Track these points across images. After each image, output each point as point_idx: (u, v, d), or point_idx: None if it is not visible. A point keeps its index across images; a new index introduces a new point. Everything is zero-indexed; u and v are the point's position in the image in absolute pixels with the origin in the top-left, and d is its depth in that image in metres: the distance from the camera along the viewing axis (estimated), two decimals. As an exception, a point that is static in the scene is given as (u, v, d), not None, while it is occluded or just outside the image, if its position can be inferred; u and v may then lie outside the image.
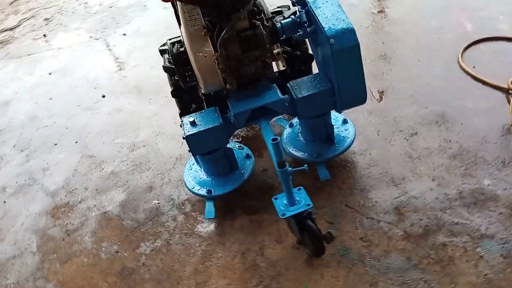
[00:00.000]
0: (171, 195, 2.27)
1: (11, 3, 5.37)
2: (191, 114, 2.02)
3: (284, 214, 1.72)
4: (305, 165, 1.69)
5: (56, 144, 2.84)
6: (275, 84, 2.02)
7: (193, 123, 1.95)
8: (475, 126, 2.19)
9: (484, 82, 2.42)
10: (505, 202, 1.84)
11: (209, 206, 2.06)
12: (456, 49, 2.68)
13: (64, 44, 4.05)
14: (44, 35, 4.32)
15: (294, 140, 2.22)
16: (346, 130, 2.20)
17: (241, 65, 1.89)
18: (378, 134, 2.29)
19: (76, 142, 2.81)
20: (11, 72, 3.83)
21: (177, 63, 1.95)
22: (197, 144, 1.97)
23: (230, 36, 1.79)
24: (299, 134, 2.23)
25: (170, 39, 2.00)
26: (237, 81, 1.93)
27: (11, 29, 4.66)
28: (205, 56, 1.83)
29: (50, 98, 3.31)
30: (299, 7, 2.00)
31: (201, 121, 1.97)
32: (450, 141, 2.15)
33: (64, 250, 2.15)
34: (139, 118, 2.85)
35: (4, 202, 2.50)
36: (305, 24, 1.92)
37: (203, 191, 2.09)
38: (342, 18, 1.85)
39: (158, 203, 2.25)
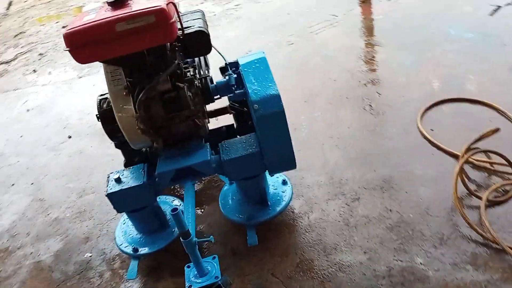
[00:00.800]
0: (104, 249, 2.22)
1: (15, 36, 5.57)
2: (118, 170, 1.98)
3: (190, 286, 1.65)
4: (211, 236, 1.62)
5: (13, 185, 2.84)
6: (207, 144, 1.98)
7: (117, 180, 1.91)
8: (420, 195, 2.08)
9: (438, 147, 2.32)
10: (434, 285, 1.71)
11: (133, 266, 1.99)
12: (418, 109, 2.60)
13: (49, 81, 4.14)
14: (34, 70, 4.43)
15: (230, 199, 2.16)
16: (283, 192, 2.12)
17: (169, 124, 1.87)
18: (320, 197, 2.20)
19: (32, 183, 2.81)
20: (-7, 107, 3.92)
21: (103, 120, 1.93)
22: (120, 202, 1.92)
23: (152, 98, 1.77)
24: (236, 193, 2.17)
25: (100, 95, 1.99)
26: (165, 139, 1.91)
27: (6, 62, 4.81)
28: (127, 116, 1.81)
29: (21, 136, 3.34)
30: (232, 69, 1.98)
31: (127, 178, 1.93)
32: (391, 210, 2.05)
33: (-11, 300, 2.11)
34: (96, 163, 2.84)
35: (-51, 243, 2.50)
36: (233, 87, 1.89)
37: (129, 249, 2.02)
38: (269, 83, 1.81)
39: (91, 256, 2.20)
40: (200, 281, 1.64)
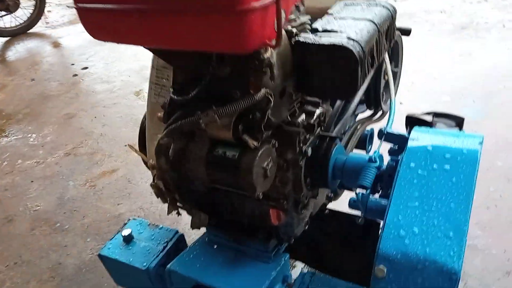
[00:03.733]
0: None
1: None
2: (144, 222, 1.19)
3: None
4: None
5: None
6: (284, 258, 1.00)
7: (127, 239, 1.14)
8: None
9: None
10: None
11: None
12: None
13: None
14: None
15: None
16: None
17: (216, 195, 0.97)
18: None
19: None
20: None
21: (139, 143, 1.14)
22: (115, 272, 1.16)
23: (188, 143, 0.88)
24: None
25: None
26: (211, 214, 1.02)
27: None
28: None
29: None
30: (393, 147, 0.90)
31: (140, 242, 1.14)
32: None
33: None
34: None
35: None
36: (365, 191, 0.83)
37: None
38: (450, 229, 0.70)
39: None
40: None
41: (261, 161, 0.84)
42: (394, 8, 1.00)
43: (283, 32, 0.85)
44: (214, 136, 0.86)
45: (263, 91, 0.81)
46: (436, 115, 1.39)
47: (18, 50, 4.13)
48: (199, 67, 0.85)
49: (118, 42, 0.82)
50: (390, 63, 1.38)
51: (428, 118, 1.34)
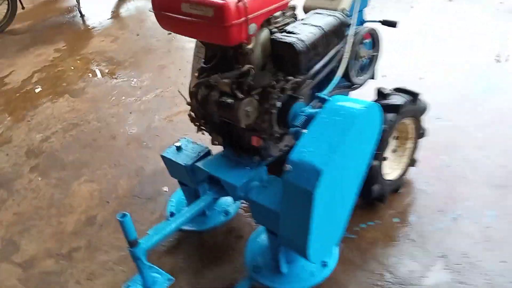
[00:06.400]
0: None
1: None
2: (189, 140, 1.92)
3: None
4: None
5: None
6: (260, 169, 1.67)
7: (178, 148, 1.88)
8: None
9: None
10: None
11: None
12: None
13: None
14: None
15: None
16: (312, 275, 1.64)
17: (227, 126, 1.65)
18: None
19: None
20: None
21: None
22: (169, 167, 1.92)
23: (210, 92, 1.56)
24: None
25: None
26: (225, 138, 1.71)
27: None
28: (193, 98, 1.68)
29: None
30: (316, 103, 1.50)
31: (185, 151, 1.87)
32: None
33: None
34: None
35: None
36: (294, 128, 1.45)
37: (169, 210, 2.06)
38: (328, 152, 1.29)
39: (166, 191, 2.35)
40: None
41: (244, 106, 1.49)
42: (344, 16, 1.56)
43: (267, 30, 1.48)
44: (222, 89, 1.53)
45: (246, 66, 1.45)
46: (397, 90, 1.91)
47: (129, 8, 5.06)
48: (217, 49, 1.52)
49: (175, 33, 1.52)
50: (373, 48, 1.91)
51: (387, 91, 1.87)
